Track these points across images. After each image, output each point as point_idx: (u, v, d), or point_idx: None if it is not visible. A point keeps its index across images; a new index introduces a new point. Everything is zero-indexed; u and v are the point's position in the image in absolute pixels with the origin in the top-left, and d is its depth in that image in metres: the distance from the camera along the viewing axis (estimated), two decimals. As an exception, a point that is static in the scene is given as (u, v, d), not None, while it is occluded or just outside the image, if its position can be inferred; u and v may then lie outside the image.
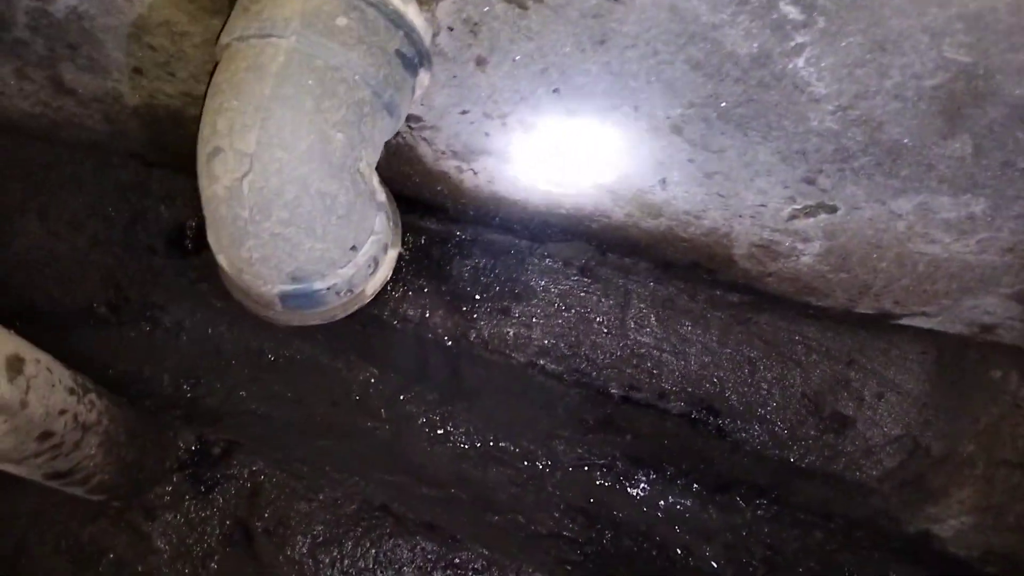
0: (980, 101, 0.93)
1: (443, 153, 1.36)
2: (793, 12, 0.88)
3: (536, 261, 1.67)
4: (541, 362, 1.69)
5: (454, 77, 1.13)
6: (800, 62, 0.94)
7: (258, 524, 1.67)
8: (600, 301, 1.67)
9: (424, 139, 1.33)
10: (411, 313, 1.72)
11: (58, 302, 1.89)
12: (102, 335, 1.92)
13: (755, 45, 0.94)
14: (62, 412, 1.25)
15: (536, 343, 1.68)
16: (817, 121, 1.03)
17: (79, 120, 1.60)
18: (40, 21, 1.28)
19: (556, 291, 1.68)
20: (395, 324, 1.74)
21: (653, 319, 1.65)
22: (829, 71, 0.95)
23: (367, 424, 1.88)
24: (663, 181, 1.26)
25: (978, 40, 0.85)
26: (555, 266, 1.67)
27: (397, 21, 0.95)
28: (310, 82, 0.90)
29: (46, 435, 1.23)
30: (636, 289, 1.65)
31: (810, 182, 1.17)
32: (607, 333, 1.67)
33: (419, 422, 1.89)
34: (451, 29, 1.03)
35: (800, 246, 1.36)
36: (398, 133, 1.33)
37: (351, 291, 1.08)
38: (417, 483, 1.80)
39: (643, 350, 1.66)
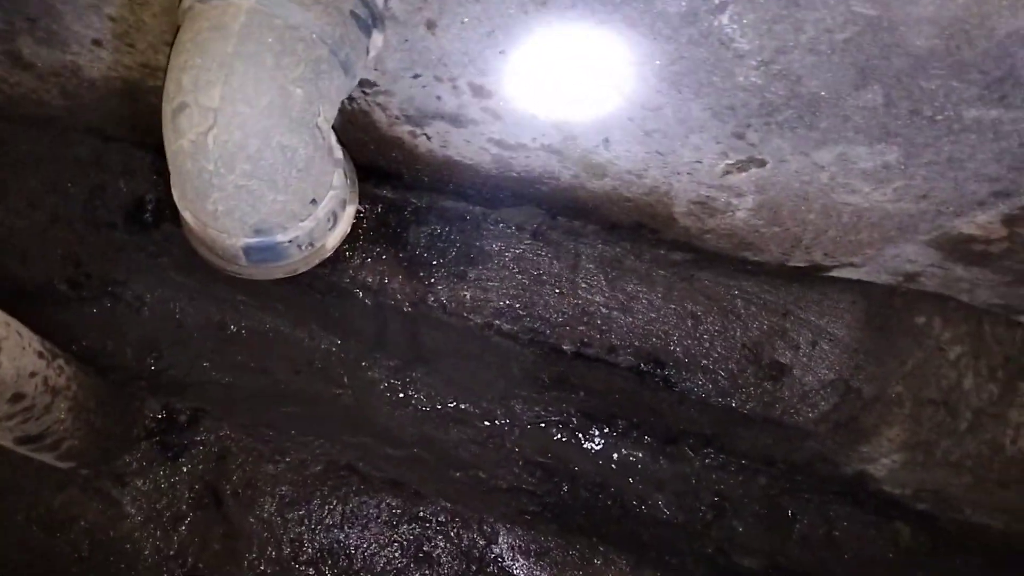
0: (887, 52, 1.03)
1: (397, 118, 1.43)
2: (715, -28, 0.97)
3: (490, 227, 1.74)
4: (497, 323, 1.76)
5: (405, 41, 1.20)
6: (724, 19, 1.03)
7: (227, 487, 1.72)
8: (551, 263, 1.75)
9: (378, 104, 1.39)
10: (370, 280, 1.78)
11: (18, 279, 1.90)
12: (63, 311, 1.94)
13: (683, 4, 1.02)
14: (32, 375, 1.29)
15: (492, 305, 1.76)
16: (743, 76, 1.12)
17: (37, 95, 1.63)
18: (-2, -6, 1.31)
19: (510, 255, 1.75)
20: (355, 292, 1.79)
21: (602, 279, 1.74)
22: (751, 27, 1.03)
23: (331, 391, 1.94)
24: (606, 140, 1.35)
25: (880, -6, 0.95)
26: (508, 231, 1.74)
27: (351, -17, 1.01)
28: (270, 40, 0.95)
29: (17, 397, 1.27)
30: (585, 251, 1.74)
31: (740, 137, 1.26)
32: (559, 293, 1.75)
33: (381, 387, 1.95)
34: (402, -8, 1.09)
35: (735, 201, 1.45)
36: (353, 99, 1.39)
37: (312, 244, 1.14)
38: (381, 444, 1.87)
39: (593, 308, 1.74)
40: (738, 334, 1.75)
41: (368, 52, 1.09)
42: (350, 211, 1.19)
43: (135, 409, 1.73)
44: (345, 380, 1.96)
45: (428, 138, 1.47)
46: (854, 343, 1.71)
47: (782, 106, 1.17)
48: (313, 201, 1.07)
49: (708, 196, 1.46)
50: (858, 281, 1.68)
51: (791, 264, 1.65)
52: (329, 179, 1.10)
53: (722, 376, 1.76)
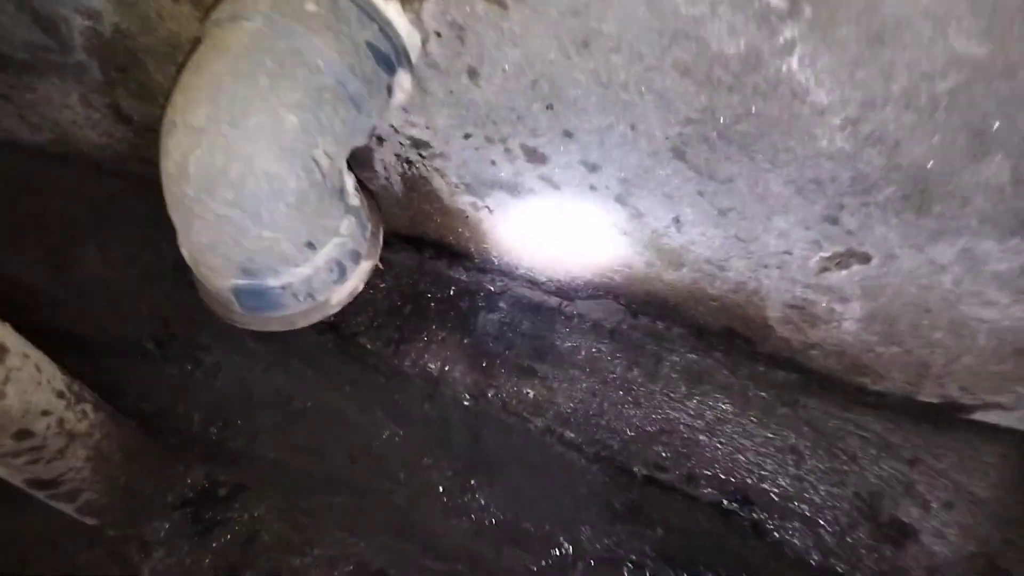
0: (1007, 108, 0.79)
1: (456, 186, 1.32)
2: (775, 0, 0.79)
3: (563, 319, 1.57)
4: (559, 429, 1.56)
5: (451, 92, 1.10)
6: (794, 63, 0.84)
7: (248, 574, 1.58)
8: (629, 368, 1.54)
9: (436, 170, 1.29)
10: (432, 367, 1.64)
11: (108, 332, 1.94)
12: (145, 369, 1.96)
13: (742, 42, 0.85)
14: (45, 413, 1.24)
15: (556, 408, 1.56)
16: (826, 140, 0.92)
17: (138, 152, 1.68)
18: (92, 42, 1.36)
19: (583, 354, 1.56)
20: (415, 378, 1.66)
21: (685, 391, 1.50)
22: (827, 73, 0.84)
23: (384, 485, 1.78)
24: (676, 220, 1.16)
25: (990, 25, 0.73)
26: (583, 326, 1.56)
27: (371, 13, 0.93)
28: (268, 62, 0.88)
29: (23, 433, 1.22)
30: (668, 357, 1.51)
31: (833, 221, 1.03)
32: (633, 403, 1.52)
33: (438, 489, 1.77)
34: (439, 35, 1.00)
35: (838, 308, 1.20)
36: (411, 163, 1.30)
37: (312, 296, 1.02)
38: (423, 554, 1.68)
39: (672, 426, 1.50)
40: (851, 480, 1.43)
41: (391, 92, 0.99)
42: (365, 267, 1.07)
43: (176, 474, 1.66)
44: (401, 476, 1.81)
45: (490, 211, 1.35)
46: (1002, 509, 1.34)
47: (880, 181, 0.94)
48: (310, 245, 0.96)
49: (805, 299, 1.21)
50: (1009, 430, 1.33)
51: (920, 399, 1.34)
52: (334, 224, 0.99)
53: (827, 530, 1.43)
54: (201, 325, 1.91)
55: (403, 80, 1.00)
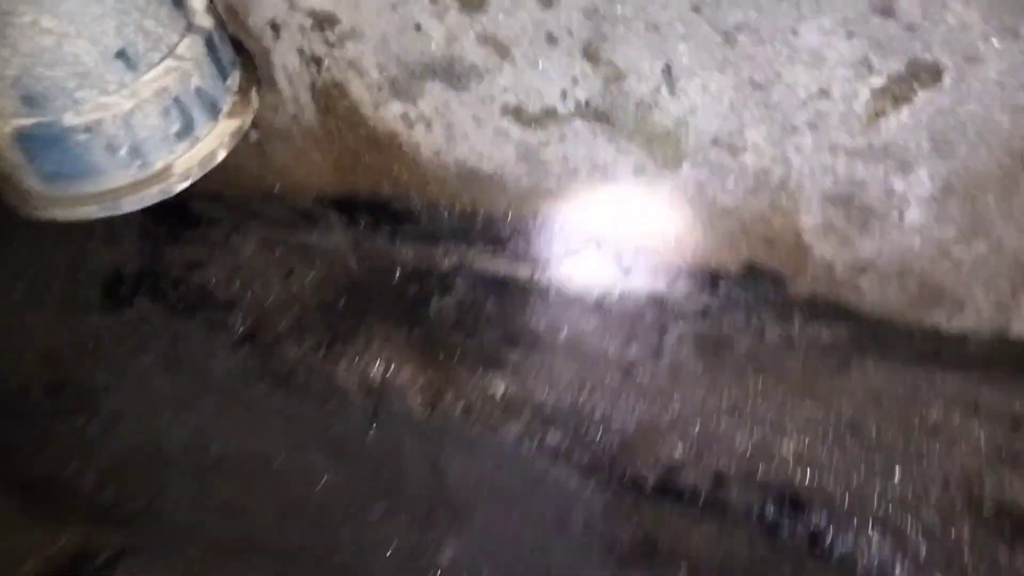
0: None
1: (380, 88, 1.02)
2: None
3: (537, 293, 1.22)
4: (540, 431, 1.18)
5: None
6: None
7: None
8: (625, 346, 1.18)
9: (350, 64, 1.00)
10: (373, 371, 1.28)
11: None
12: (33, 428, 1.58)
13: None
14: None
15: (535, 405, 1.19)
16: None
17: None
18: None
19: (565, 333, 1.21)
20: (354, 392, 1.30)
21: (699, 367, 1.14)
22: None
23: (320, 544, 1.37)
24: (667, 71, 0.85)
25: None
26: (562, 299, 1.21)
27: None
28: None
29: None
30: (674, 327, 1.16)
31: (886, 10, 0.72)
32: (634, 391, 1.16)
33: (390, 546, 1.36)
34: None
35: (899, 185, 0.87)
36: (319, 63, 1.01)
37: (140, 155, 0.69)
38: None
39: (685, 411, 1.12)
40: (936, 461, 1.04)
41: None
42: (228, 126, 0.75)
43: (42, 541, 1.26)
44: (344, 533, 1.39)
45: (427, 124, 1.04)
46: None
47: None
48: (123, 56, 0.64)
49: (853, 180, 0.89)
50: None
51: (1016, 334, 0.99)
52: (165, 34, 0.67)
53: (911, 533, 1.03)
54: (98, 360, 1.55)
55: None
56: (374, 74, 0.99)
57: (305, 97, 1.07)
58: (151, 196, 0.72)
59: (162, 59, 0.67)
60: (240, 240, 1.35)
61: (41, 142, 0.66)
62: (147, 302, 1.40)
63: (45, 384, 1.60)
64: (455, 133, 1.04)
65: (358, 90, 1.03)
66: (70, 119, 0.65)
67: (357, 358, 1.27)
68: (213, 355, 1.38)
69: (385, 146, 1.10)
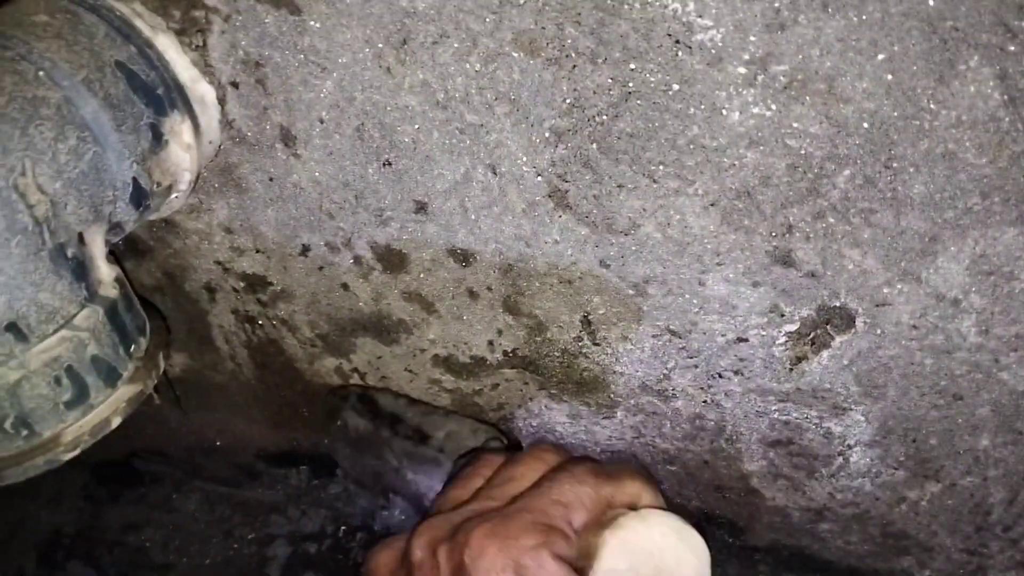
0: None
1: (313, 344, 1.02)
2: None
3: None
4: None
5: (271, 181, 0.86)
6: (663, -13, 0.62)
7: None
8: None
9: (283, 322, 1.01)
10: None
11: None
12: None
13: (591, -24, 0.64)
14: None
15: None
16: (737, 109, 0.66)
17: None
18: None
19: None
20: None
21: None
22: (709, -10, 0.61)
23: None
24: (586, 320, 0.85)
25: None
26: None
27: (127, 33, 0.73)
28: (-31, 67, 0.65)
29: None
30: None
31: (786, 260, 0.73)
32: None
33: None
34: (236, 86, 0.79)
35: (836, 428, 0.84)
36: (253, 322, 1.02)
37: (27, 426, 0.67)
38: None
39: None
40: None
41: (161, 139, 0.75)
42: (125, 392, 0.73)
43: None
44: None
45: (360, 375, 1.03)
46: None
47: (827, 162, 0.67)
48: (13, 328, 0.64)
49: (788, 422, 0.86)
50: None
51: (997, 583, 0.91)
52: (61, 306, 0.68)
53: None
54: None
55: (180, 129, 0.76)
56: (306, 332, 1.00)
57: (242, 354, 1.07)
58: (36, 467, 0.68)
59: (56, 330, 0.67)
60: (181, 499, 1.30)
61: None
62: (80, 566, 1.31)
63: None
64: (390, 385, 1.03)
65: (292, 347, 1.03)
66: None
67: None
68: None
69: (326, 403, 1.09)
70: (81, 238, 0.70)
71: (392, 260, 0.88)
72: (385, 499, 1.15)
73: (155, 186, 0.76)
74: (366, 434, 1.04)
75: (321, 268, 0.92)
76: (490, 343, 0.92)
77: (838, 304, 0.75)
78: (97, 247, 0.72)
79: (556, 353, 0.90)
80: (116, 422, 0.72)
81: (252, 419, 1.17)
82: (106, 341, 0.71)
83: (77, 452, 0.69)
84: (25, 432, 0.67)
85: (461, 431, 1.00)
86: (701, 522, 1.01)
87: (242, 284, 0.98)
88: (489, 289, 0.87)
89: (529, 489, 0.72)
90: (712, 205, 0.72)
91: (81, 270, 0.70)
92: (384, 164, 0.80)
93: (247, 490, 1.27)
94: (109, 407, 0.71)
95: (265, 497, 1.26)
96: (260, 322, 1.01)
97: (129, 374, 0.74)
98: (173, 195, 0.81)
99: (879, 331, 0.75)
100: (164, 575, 1.26)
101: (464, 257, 0.85)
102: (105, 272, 0.74)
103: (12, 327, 0.64)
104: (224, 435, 1.22)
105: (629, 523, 0.66)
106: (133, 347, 0.75)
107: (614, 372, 0.89)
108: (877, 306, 0.74)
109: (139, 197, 0.75)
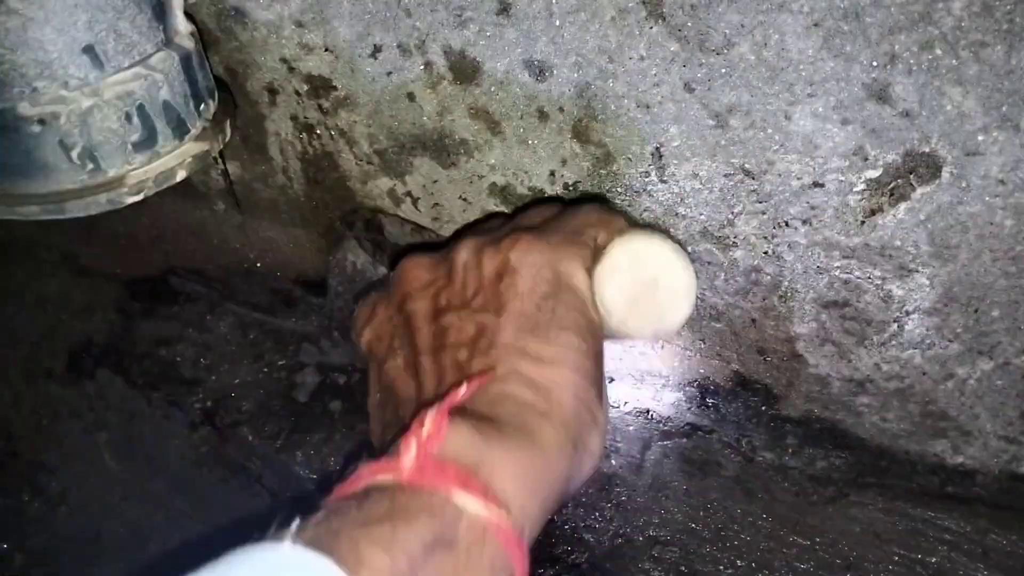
0: None
1: (369, 160, 1.00)
2: None
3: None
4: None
5: (352, -30, 0.83)
6: None
7: None
8: (605, 454, 1.09)
9: (342, 133, 0.99)
10: (331, 467, 1.19)
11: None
12: (-28, 502, 1.47)
13: None
14: None
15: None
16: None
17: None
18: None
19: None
20: (309, 488, 1.20)
21: (683, 484, 1.04)
22: None
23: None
24: (658, 153, 0.83)
25: None
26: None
27: None
28: None
29: None
30: (656, 436, 1.08)
31: (881, 95, 0.70)
32: (609, 502, 1.06)
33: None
34: None
35: (897, 290, 0.82)
36: (312, 130, 1.00)
37: (94, 159, 0.66)
38: None
39: (666, 533, 1.02)
40: (942, 615, 0.92)
41: None
42: (192, 148, 0.72)
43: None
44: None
45: (413, 199, 1.02)
46: None
47: None
48: (90, 51, 0.63)
49: (847, 281, 0.84)
50: None
51: (1029, 472, 0.90)
52: (139, 40, 0.66)
53: None
54: (50, 439, 1.47)
55: None
56: (364, 146, 0.98)
57: (295, 167, 1.06)
58: (98, 204, 0.68)
59: (132, 65, 0.65)
60: (215, 320, 1.31)
61: (-8, 128, 0.63)
62: (109, 374, 1.33)
63: (-8, 458, 1.51)
64: (441, 213, 1.01)
65: (347, 162, 1.01)
66: (25, 108, 0.62)
67: (315, 450, 1.18)
68: (169, 437, 1.30)
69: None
70: (160, -22, 0.68)
71: (464, 69, 0.85)
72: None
73: (239, -58, 0.74)
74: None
75: (389, 73, 0.90)
76: (552, 173, 0.90)
77: (927, 150, 0.72)
78: (179, 5, 0.70)
79: (619, 189, 0.88)
80: (181, 175, 0.71)
81: (296, 240, 1.16)
82: (178, 90, 0.70)
83: (140, 197, 0.69)
84: (91, 165, 0.66)
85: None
86: (736, 387, 1.00)
87: (305, 87, 0.96)
88: (561, 110, 0.84)
89: (560, 213, 0.78)
90: (816, 25, 0.68)
91: (161, 10, 0.68)
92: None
93: (281, 318, 1.27)
94: (175, 158, 0.70)
95: (298, 327, 1.26)
96: (318, 131, 1.00)
97: (197, 131, 0.73)
98: (253, -38, 0.78)
99: (964, 184, 0.72)
100: (192, 389, 1.27)
101: (540, 70, 0.82)
102: (182, 23, 0.72)
103: (90, 50, 0.63)
104: (265, 256, 1.22)
105: (636, 235, 0.74)
106: (203, 106, 0.73)
107: (676, 214, 0.87)
108: (967, 155, 0.71)
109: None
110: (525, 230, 0.71)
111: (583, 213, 0.76)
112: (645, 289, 0.72)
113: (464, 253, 0.71)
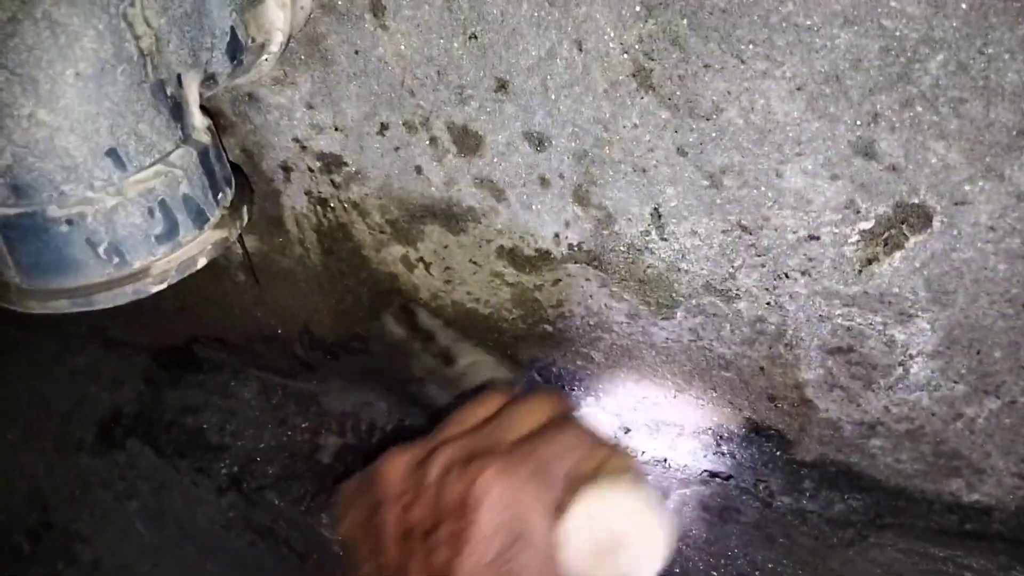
0: None
1: (381, 230, 1.04)
2: None
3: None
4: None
5: (356, 54, 0.88)
6: None
7: None
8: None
9: (354, 205, 1.03)
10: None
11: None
12: (8, 572, 1.51)
13: None
14: None
15: None
16: None
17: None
18: None
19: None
20: (335, 550, 1.22)
21: (703, 531, 1.05)
22: None
23: None
24: (656, 213, 0.86)
25: None
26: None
27: None
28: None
29: None
30: (674, 484, 1.09)
31: (867, 152, 0.73)
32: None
33: None
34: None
35: (900, 336, 0.84)
36: (325, 204, 1.04)
37: (120, 254, 0.70)
38: None
39: (688, 582, 1.03)
40: (969, 656, 0.92)
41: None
42: (212, 236, 0.76)
43: None
44: None
45: (425, 264, 1.05)
46: None
47: (921, 46, 0.66)
48: (113, 154, 0.67)
49: (850, 328, 0.86)
50: None
51: (1049, 509, 0.91)
52: (157, 140, 0.70)
53: None
54: (83, 507, 1.50)
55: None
56: (376, 216, 1.02)
57: (311, 239, 1.10)
58: (124, 295, 0.71)
59: (152, 163, 0.70)
60: (239, 386, 1.34)
61: (23, 232, 0.67)
62: (138, 444, 1.37)
63: (28, 528, 1.54)
64: (453, 277, 1.04)
65: (360, 232, 1.05)
66: (54, 211, 0.66)
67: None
68: (198, 503, 1.33)
69: (385, 290, 1.11)
70: (180, 80, 0.73)
71: (468, 142, 0.89)
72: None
73: (250, 41, 0.78)
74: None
75: (397, 149, 0.94)
76: (556, 236, 0.93)
77: (916, 201, 0.74)
78: (192, 93, 0.75)
79: (622, 248, 0.91)
80: (202, 262, 0.75)
81: (314, 308, 1.20)
82: (197, 183, 0.74)
83: (164, 286, 0.73)
84: (117, 259, 0.70)
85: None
86: (749, 433, 1.02)
87: (318, 164, 1.00)
88: (561, 177, 0.88)
89: (536, 434, 0.77)
90: (799, 89, 0.72)
91: (178, 111, 0.73)
92: (470, 37, 0.81)
93: (302, 381, 1.31)
94: (197, 247, 0.74)
95: (319, 389, 1.30)
96: (332, 204, 1.04)
97: (216, 220, 0.77)
98: (264, 56, 0.83)
99: (955, 231, 0.75)
100: (219, 455, 1.31)
101: (539, 141, 0.86)
102: (199, 119, 0.76)
103: (112, 153, 0.67)
104: (286, 323, 1.26)
105: (596, 492, 0.71)
106: (221, 195, 0.78)
107: (679, 270, 0.90)
108: (956, 204, 0.73)
109: (235, 49, 0.77)
110: (495, 457, 0.71)
111: (561, 440, 0.76)
112: (609, 548, 0.70)
113: (435, 470, 0.72)
